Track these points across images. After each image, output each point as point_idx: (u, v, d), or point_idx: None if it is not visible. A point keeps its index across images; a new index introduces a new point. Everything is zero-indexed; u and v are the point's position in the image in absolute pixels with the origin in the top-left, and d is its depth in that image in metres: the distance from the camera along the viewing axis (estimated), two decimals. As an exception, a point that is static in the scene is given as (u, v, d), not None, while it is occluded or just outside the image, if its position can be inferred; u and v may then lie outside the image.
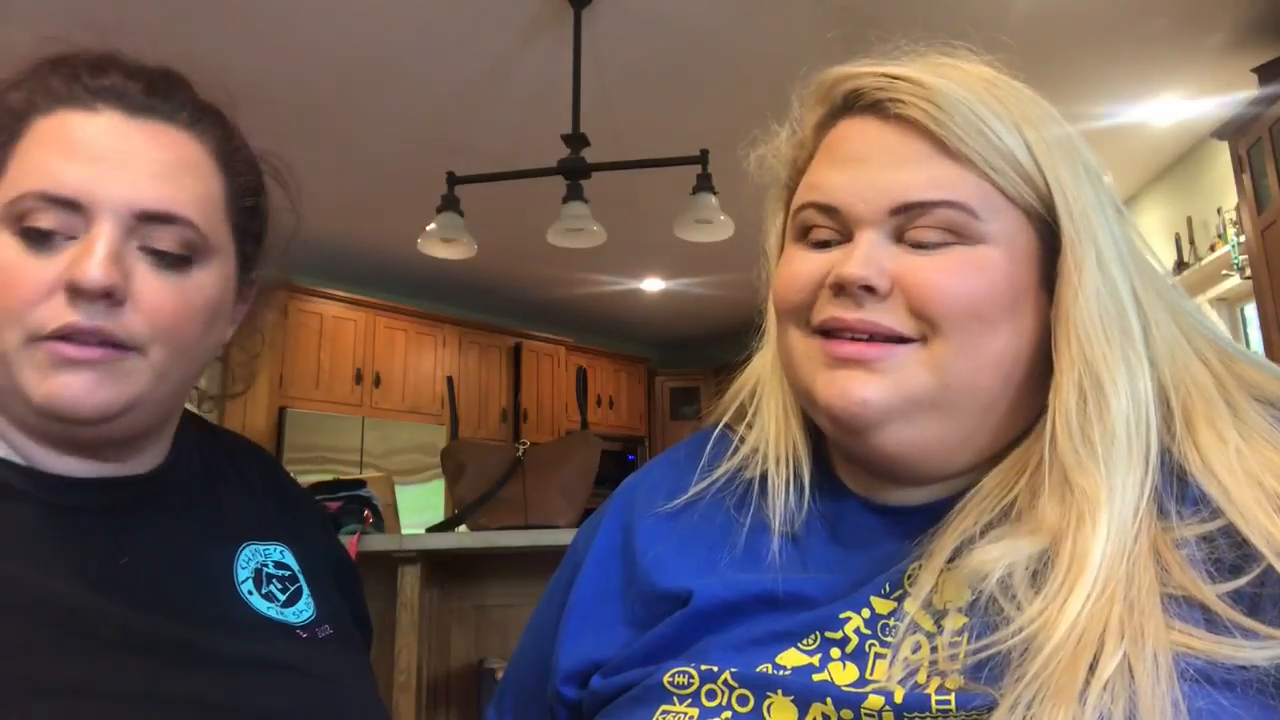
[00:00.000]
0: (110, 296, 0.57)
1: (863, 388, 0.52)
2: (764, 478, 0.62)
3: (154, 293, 0.60)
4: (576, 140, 2.78)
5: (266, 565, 0.73)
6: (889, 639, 0.52)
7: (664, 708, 0.53)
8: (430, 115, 3.60)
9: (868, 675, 0.51)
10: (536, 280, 5.60)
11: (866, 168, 0.55)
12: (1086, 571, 0.47)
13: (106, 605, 0.58)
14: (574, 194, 2.78)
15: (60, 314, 0.57)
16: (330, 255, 5.06)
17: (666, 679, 0.54)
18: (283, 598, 0.72)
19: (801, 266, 0.57)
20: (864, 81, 0.58)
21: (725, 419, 0.68)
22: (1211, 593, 0.46)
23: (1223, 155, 3.61)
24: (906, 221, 0.53)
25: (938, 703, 0.47)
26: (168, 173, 0.61)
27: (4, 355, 0.58)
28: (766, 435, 0.64)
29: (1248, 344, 3.95)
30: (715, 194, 2.82)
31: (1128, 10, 2.97)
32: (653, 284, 5.79)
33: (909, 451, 0.54)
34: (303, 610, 0.72)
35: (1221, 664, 0.44)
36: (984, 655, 0.48)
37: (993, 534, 0.51)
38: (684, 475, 0.67)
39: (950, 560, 0.52)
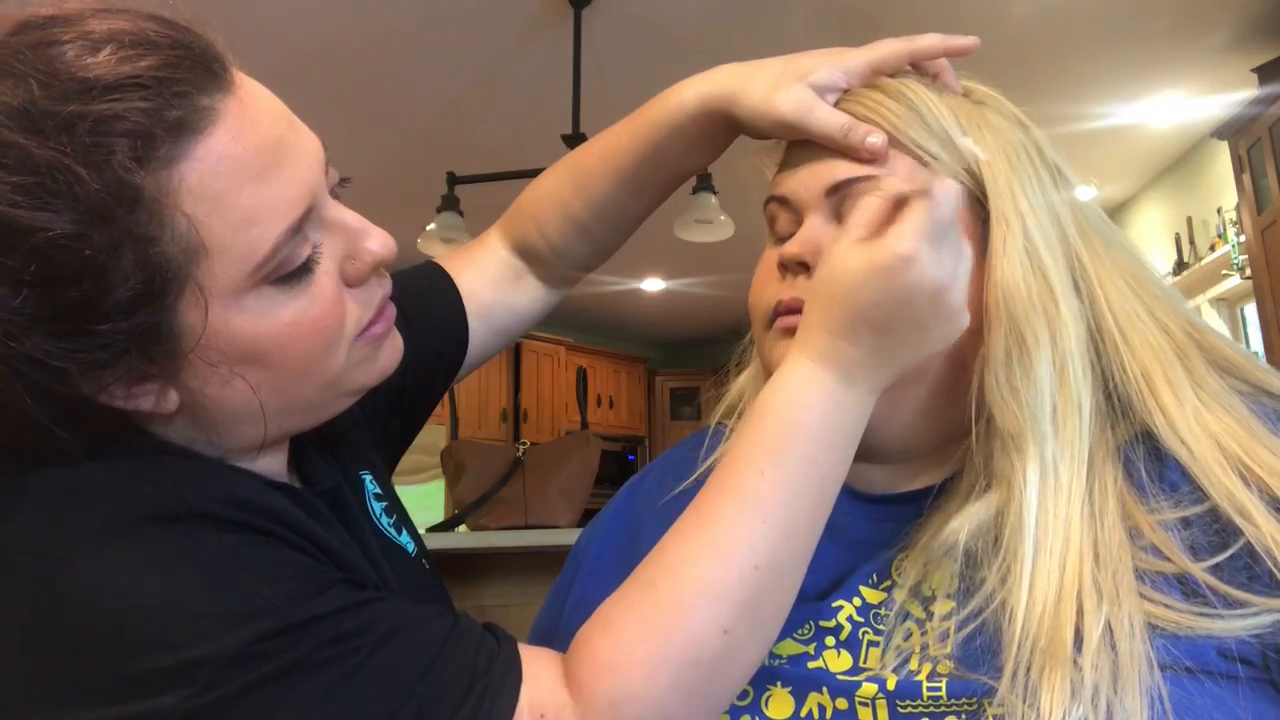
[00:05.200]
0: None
1: (780, 352, 0.56)
2: None
3: None
4: (576, 140, 2.78)
5: (376, 491, 0.71)
6: (881, 627, 0.53)
7: None
8: (430, 115, 3.60)
9: (861, 663, 0.53)
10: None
11: (810, 159, 0.60)
12: (1026, 521, 0.50)
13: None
14: (574, 194, 2.78)
15: (377, 295, 0.56)
16: (330, 255, 5.06)
17: None
18: (392, 526, 0.70)
19: (765, 263, 0.62)
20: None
21: (718, 418, 0.71)
22: (1192, 563, 0.48)
23: (1223, 155, 3.62)
24: (841, 201, 0.58)
25: (929, 689, 0.48)
26: None
27: (329, 381, 0.54)
28: None
29: (1248, 344, 3.95)
30: (715, 194, 2.82)
31: (1128, 10, 2.97)
32: (653, 284, 5.79)
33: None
34: (408, 541, 0.70)
35: (1200, 640, 0.46)
36: (969, 631, 0.50)
37: (954, 505, 0.54)
38: (685, 469, 0.69)
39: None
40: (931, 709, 0.48)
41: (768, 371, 0.58)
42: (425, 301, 0.76)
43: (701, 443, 0.70)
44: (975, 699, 0.47)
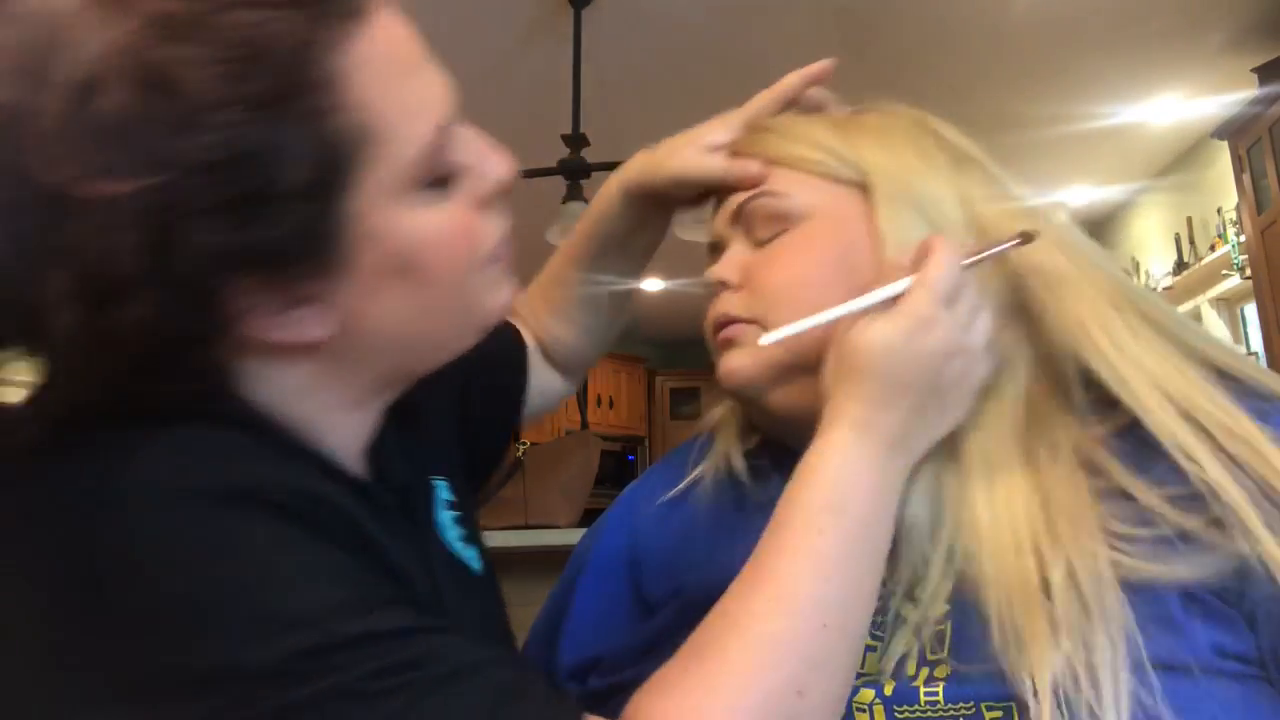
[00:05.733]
0: None
1: (732, 360, 0.61)
2: (731, 472, 0.68)
3: None
4: (576, 140, 2.78)
5: (449, 499, 0.66)
6: (879, 633, 0.54)
7: None
8: (430, 115, 3.60)
9: (860, 668, 0.53)
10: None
11: (719, 206, 0.67)
12: (963, 486, 0.55)
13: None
14: (574, 194, 2.79)
15: (503, 221, 0.54)
16: (330, 255, 5.06)
17: None
18: (460, 540, 0.65)
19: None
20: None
21: (709, 428, 0.74)
22: (1149, 492, 0.50)
23: (1223, 155, 3.61)
24: (746, 226, 0.64)
25: (926, 694, 0.49)
26: None
27: (465, 305, 0.52)
28: (728, 434, 0.70)
29: (1247, 344, 3.95)
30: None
31: (1128, 10, 2.97)
32: (653, 284, 5.80)
33: (796, 412, 0.60)
34: (475, 558, 0.65)
35: (1166, 592, 0.47)
36: (955, 621, 0.51)
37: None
38: (676, 475, 0.71)
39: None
40: (929, 714, 0.48)
41: (720, 384, 0.64)
42: (498, 346, 0.78)
43: (691, 447, 0.72)
44: (973, 704, 0.47)
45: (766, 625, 0.46)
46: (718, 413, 0.73)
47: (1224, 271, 3.77)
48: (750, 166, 0.64)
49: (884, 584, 0.55)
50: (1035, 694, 0.45)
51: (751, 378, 0.61)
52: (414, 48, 0.48)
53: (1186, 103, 3.62)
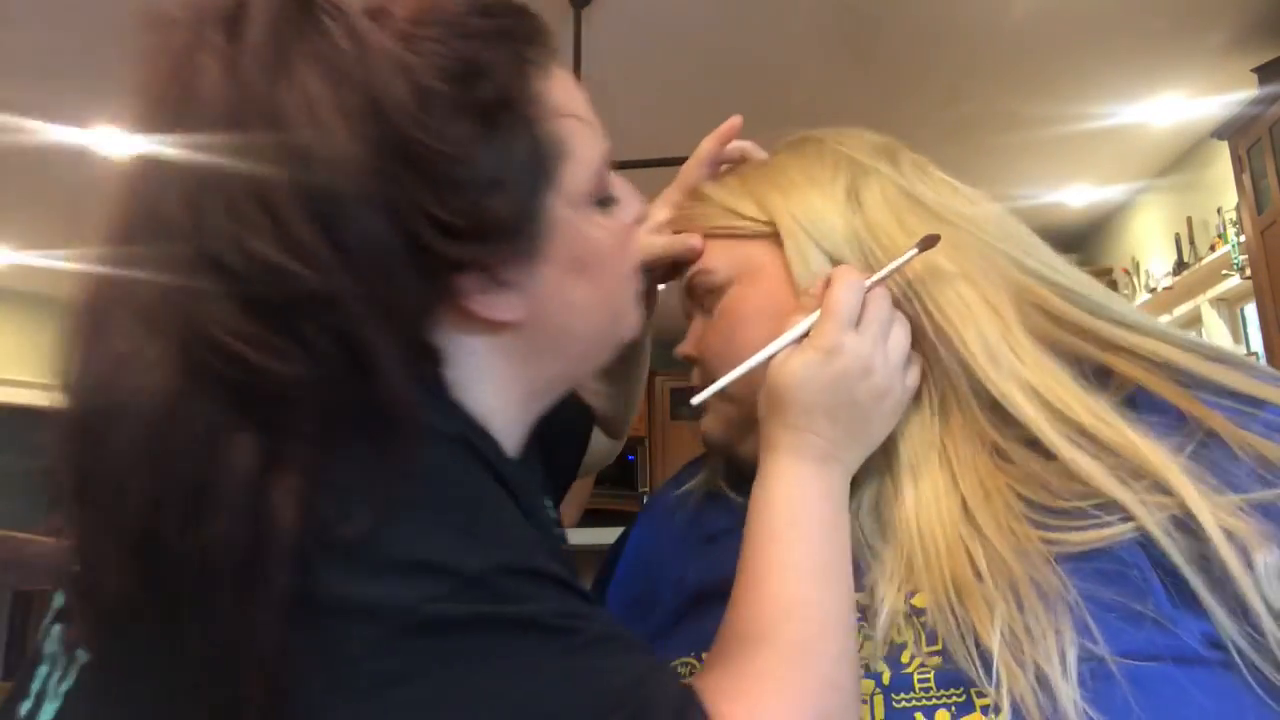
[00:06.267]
0: None
1: (703, 425, 0.70)
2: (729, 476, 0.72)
3: None
4: (576, 140, 2.78)
5: (555, 518, 0.73)
6: (875, 624, 0.55)
7: None
8: (430, 115, 3.59)
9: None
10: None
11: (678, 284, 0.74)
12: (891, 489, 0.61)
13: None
14: (574, 194, 2.79)
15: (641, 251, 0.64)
16: (330, 255, 5.06)
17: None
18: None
19: None
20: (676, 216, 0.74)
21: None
22: (1050, 472, 0.55)
23: (1223, 155, 3.61)
24: (697, 301, 0.71)
25: (919, 681, 0.51)
26: None
27: (618, 313, 0.61)
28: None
29: (1247, 344, 3.95)
30: (715, 194, 2.81)
31: (1128, 10, 2.97)
32: (653, 284, 5.80)
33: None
34: None
35: (1105, 564, 0.50)
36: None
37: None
38: (683, 480, 0.76)
39: None
40: (924, 701, 0.50)
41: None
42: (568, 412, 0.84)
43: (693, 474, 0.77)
44: (963, 689, 0.49)
45: (786, 634, 0.50)
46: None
47: (1224, 271, 3.77)
48: (687, 240, 0.70)
49: (870, 572, 0.58)
50: (988, 672, 0.48)
51: (719, 438, 0.68)
52: (582, 95, 0.58)
53: (1186, 103, 3.63)
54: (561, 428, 0.81)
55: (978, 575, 0.52)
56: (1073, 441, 0.55)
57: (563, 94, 0.54)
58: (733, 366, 0.62)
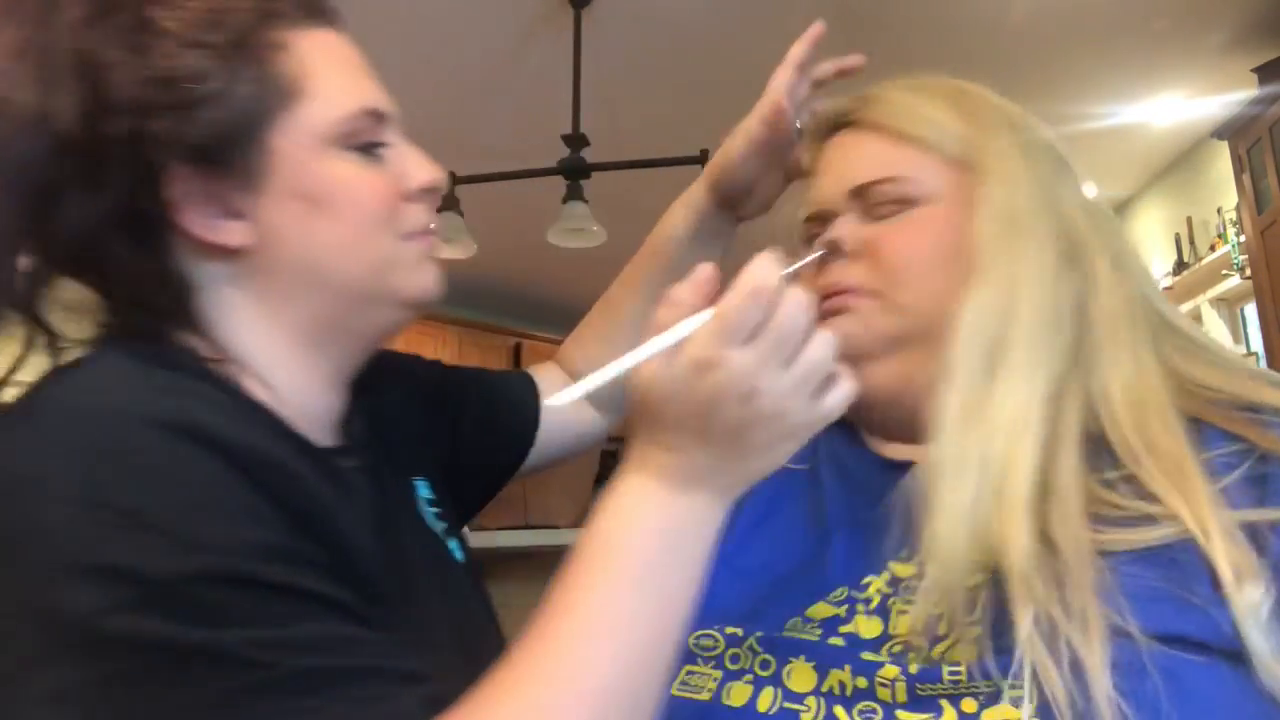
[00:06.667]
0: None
1: (842, 326, 0.62)
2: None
3: None
4: (576, 140, 2.78)
5: (429, 496, 0.72)
6: (912, 599, 0.54)
7: (688, 668, 0.56)
8: (430, 115, 3.60)
9: (891, 629, 0.54)
10: (536, 280, 5.59)
11: (831, 172, 0.69)
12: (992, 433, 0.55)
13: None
14: (574, 194, 2.78)
15: (426, 215, 0.64)
16: (330, 255, 5.06)
17: (692, 641, 0.57)
18: (444, 534, 0.71)
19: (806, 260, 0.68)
20: (833, 111, 0.73)
21: None
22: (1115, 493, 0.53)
23: (1223, 155, 3.61)
24: (863, 203, 0.65)
25: (949, 672, 0.49)
26: None
27: (378, 261, 0.60)
28: None
29: (1247, 344, 3.95)
30: (715, 194, 2.81)
31: (1128, 10, 2.97)
32: (653, 284, 5.79)
33: (895, 385, 0.62)
34: (456, 548, 0.71)
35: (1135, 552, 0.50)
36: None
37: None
38: None
39: None
40: (950, 691, 0.48)
41: None
42: (507, 392, 0.87)
43: None
44: (993, 682, 0.47)
45: (529, 696, 0.44)
46: None
47: (1224, 271, 3.77)
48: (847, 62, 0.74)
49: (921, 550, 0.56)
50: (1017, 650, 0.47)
51: (862, 345, 0.61)
52: (356, 58, 0.63)
53: (1186, 103, 3.62)
54: (494, 395, 0.84)
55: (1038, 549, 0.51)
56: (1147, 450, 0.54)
57: (319, 49, 0.60)
58: (904, 280, 0.61)
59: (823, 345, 0.49)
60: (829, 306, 0.63)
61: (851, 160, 0.68)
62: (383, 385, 0.72)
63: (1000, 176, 0.62)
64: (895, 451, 0.65)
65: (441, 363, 0.85)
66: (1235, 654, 0.46)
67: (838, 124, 0.72)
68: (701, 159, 2.84)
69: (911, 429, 0.61)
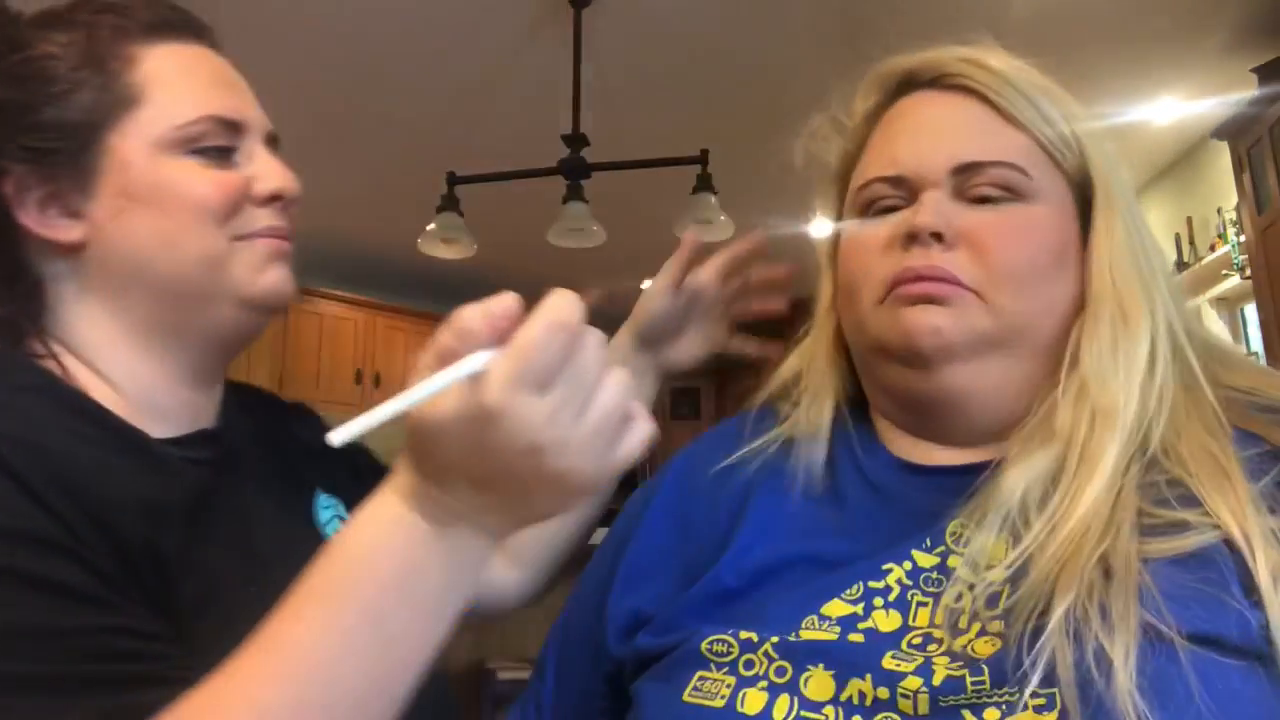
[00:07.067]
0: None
1: (934, 318, 0.57)
2: (807, 442, 0.66)
3: None
4: (576, 140, 2.78)
5: (327, 504, 0.75)
6: (931, 590, 0.53)
7: (701, 674, 0.54)
8: (430, 115, 3.60)
9: (910, 622, 0.53)
10: (536, 280, 5.58)
11: (927, 135, 0.62)
12: (1099, 473, 0.52)
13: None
14: (574, 194, 2.78)
15: (271, 219, 0.66)
16: (330, 255, 5.06)
17: (705, 646, 0.55)
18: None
19: (873, 230, 0.62)
20: (919, 63, 0.66)
21: (767, 398, 0.73)
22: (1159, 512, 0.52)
23: (1223, 155, 3.61)
24: (965, 180, 0.60)
25: (973, 682, 0.48)
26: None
27: (205, 258, 0.63)
28: (814, 402, 0.68)
29: (1247, 344, 3.95)
30: (715, 194, 2.81)
31: (1128, 10, 2.97)
32: (650, 284, 5.79)
33: (972, 389, 0.59)
34: None
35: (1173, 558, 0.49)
36: (1011, 580, 0.51)
37: (1012, 458, 0.55)
38: (733, 443, 0.70)
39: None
40: (974, 700, 0.48)
41: (881, 349, 0.61)
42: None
43: (748, 418, 0.71)
44: (1016, 690, 0.47)
45: (197, 700, 0.42)
46: (784, 377, 0.71)
47: (1224, 271, 3.77)
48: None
49: (944, 542, 0.56)
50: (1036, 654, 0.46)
51: (951, 343, 0.57)
52: (213, 71, 0.67)
53: (1186, 103, 3.62)
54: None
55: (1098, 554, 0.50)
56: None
57: (170, 61, 0.65)
58: (1010, 286, 0.57)
59: (616, 389, 0.44)
60: (919, 291, 0.58)
61: (959, 128, 0.61)
62: (308, 417, 0.81)
63: (1123, 212, 0.62)
64: (924, 454, 0.62)
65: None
66: (1266, 657, 0.46)
67: (915, 81, 0.66)
68: (702, 159, 2.84)
69: (966, 433, 0.61)
